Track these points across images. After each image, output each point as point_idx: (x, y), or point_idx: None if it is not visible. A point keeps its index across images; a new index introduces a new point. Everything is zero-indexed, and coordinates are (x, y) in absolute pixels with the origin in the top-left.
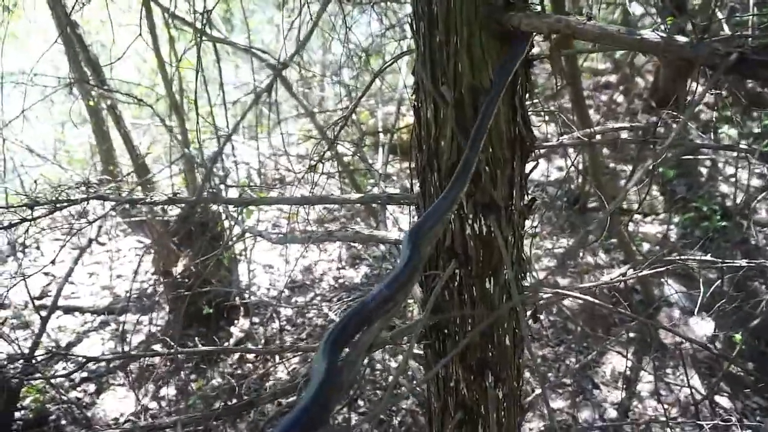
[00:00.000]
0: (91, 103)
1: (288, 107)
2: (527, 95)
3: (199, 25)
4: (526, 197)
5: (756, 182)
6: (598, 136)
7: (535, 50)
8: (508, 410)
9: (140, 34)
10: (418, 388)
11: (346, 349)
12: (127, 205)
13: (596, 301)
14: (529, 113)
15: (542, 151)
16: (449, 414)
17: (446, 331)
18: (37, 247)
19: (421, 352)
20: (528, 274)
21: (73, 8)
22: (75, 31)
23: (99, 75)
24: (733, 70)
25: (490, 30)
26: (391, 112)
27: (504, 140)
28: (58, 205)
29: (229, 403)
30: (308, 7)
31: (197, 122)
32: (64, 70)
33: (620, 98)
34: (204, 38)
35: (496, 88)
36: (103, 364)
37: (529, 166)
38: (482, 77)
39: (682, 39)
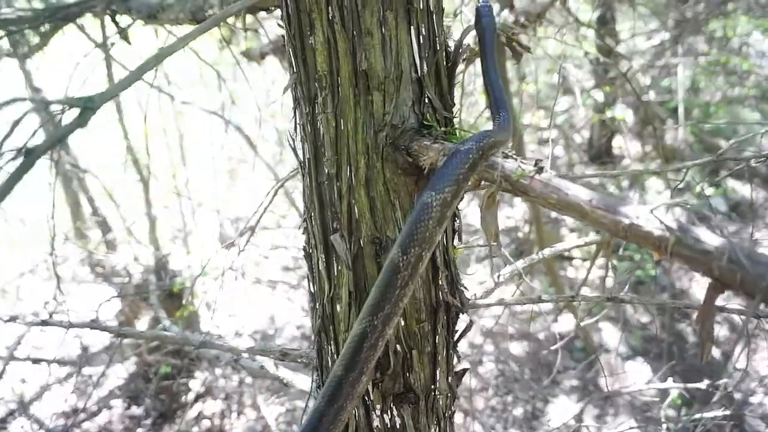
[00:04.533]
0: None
1: None
2: (456, 238)
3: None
4: (455, 368)
5: None
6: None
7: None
8: None
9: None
10: None
11: None
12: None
13: None
14: (458, 275)
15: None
16: None
17: None
18: None
19: None
20: None
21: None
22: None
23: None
24: None
25: (396, 163)
26: None
27: (422, 310)
28: None
29: None
30: None
31: None
32: None
33: (560, 152)
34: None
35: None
36: (61, 421)
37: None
38: (388, 227)
39: (705, 238)
